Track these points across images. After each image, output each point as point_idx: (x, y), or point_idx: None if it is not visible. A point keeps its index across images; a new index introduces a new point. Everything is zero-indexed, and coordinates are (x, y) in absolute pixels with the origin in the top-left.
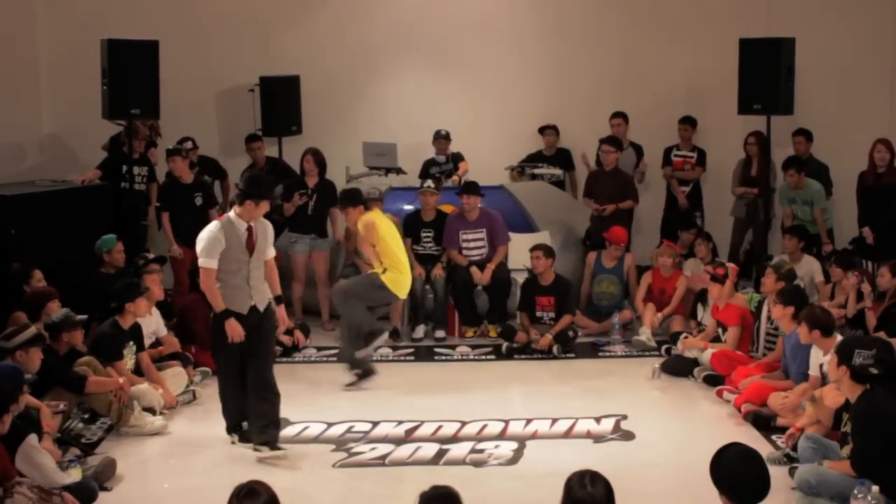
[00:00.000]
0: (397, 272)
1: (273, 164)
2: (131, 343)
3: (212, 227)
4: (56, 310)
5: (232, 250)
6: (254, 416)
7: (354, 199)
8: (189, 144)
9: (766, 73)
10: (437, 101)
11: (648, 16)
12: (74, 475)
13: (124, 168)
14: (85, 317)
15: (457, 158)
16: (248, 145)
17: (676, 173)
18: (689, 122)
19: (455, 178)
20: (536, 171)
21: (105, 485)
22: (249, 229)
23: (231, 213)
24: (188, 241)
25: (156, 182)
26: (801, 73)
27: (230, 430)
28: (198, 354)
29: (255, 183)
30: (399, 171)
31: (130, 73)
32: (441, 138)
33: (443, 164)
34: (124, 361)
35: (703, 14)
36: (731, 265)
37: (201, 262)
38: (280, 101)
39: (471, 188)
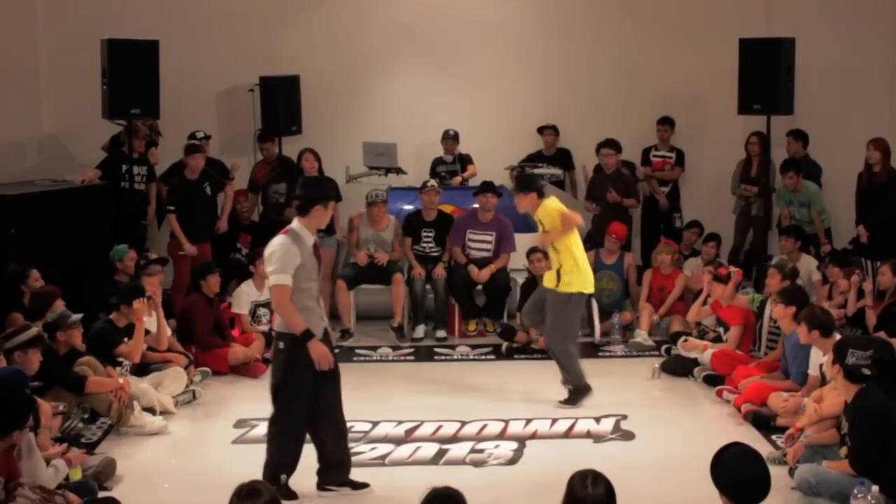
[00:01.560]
0: (574, 270)
1: (283, 162)
2: (126, 340)
3: (282, 241)
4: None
5: (305, 267)
6: (341, 452)
7: (528, 185)
8: (201, 134)
9: (766, 73)
10: (437, 101)
11: (648, 16)
12: (74, 475)
13: (124, 168)
14: (80, 315)
15: (465, 160)
16: (260, 144)
17: (656, 173)
18: (667, 123)
19: (458, 178)
20: (536, 170)
21: (105, 485)
22: (315, 242)
23: (294, 225)
24: (201, 236)
25: (155, 182)
26: (801, 73)
27: (273, 480)
28: (198, 354)
29: (316, 185)
30: (399, 170)
31: (130, 73)
32: (449, 138)
33: (449, 164)
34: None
35: (703, 14)
36: (734, 269)
37: (275, 278)
38: (280, 101)
39: (488, 186)
